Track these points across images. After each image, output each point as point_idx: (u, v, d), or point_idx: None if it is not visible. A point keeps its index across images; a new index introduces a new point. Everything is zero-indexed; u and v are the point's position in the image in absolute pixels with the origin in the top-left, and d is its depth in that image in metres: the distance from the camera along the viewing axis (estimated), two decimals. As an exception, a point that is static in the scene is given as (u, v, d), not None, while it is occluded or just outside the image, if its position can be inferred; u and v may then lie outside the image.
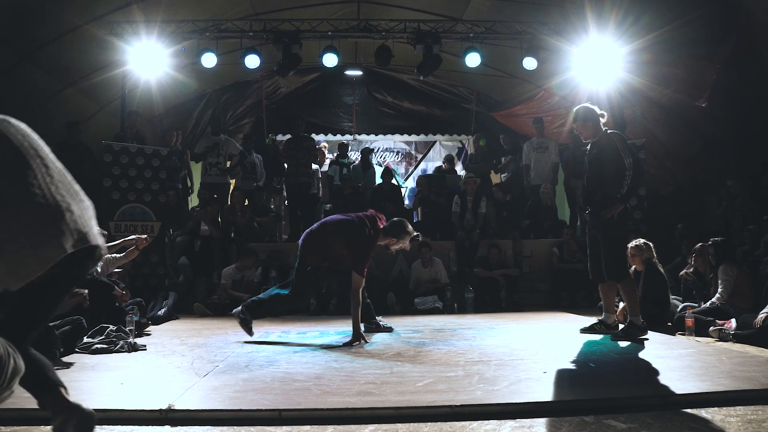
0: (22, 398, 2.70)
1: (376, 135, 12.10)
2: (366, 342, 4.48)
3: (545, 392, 2.86)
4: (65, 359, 3.92)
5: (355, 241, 4.63)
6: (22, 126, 2.14)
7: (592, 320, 5.71)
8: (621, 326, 4.80)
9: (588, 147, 4.83)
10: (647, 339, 4.49)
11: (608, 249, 4.56)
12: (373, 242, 4.67)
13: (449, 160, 10.79)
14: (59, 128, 8.39)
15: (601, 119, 4.66)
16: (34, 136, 2.17)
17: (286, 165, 8.95)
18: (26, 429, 2.42)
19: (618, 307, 5.19)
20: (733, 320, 4.71)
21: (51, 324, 3.99)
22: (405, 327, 5.53)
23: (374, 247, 4.72)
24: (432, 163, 12.08)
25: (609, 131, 4.67)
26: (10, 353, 1.98)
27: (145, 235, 5.35)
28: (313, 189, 9.10)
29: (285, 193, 9.59)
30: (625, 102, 8.30)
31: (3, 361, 1.93)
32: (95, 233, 2.24)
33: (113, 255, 5.65)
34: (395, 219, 4.89)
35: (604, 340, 4.57)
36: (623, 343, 4.35)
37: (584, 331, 4.92)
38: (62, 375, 3.36)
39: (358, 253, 4.61)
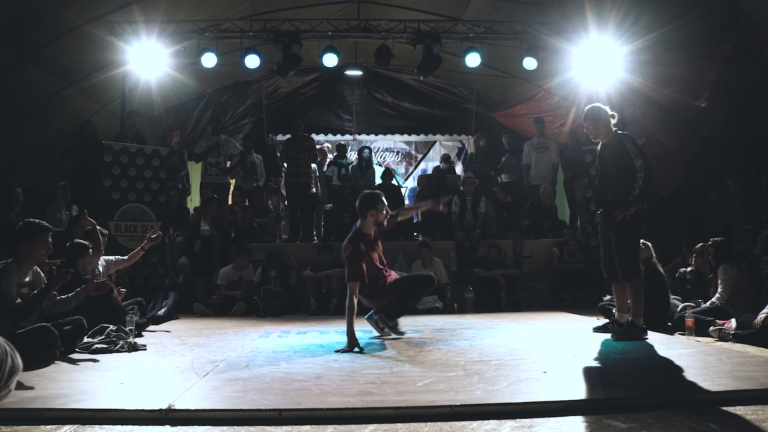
0: (23, 398, 2.71)
1: (376, 135, 12.10)
2: (359, 350, 4.19)
3: (545, 392, 2.85)
4: (65, 359, 3.92)
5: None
6: None
7: (592, 320, 5.73)
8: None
9: (597, 147, 4.85)
10: (647, 339, 4.50)
11: (621, 249, 4.55)
12: (352, 245, 4.46)
13: (446, 159, 10.78)
14: (59, 128, 8.41)
15: (611, 120, 4.66)
16: None
17: (285, 165, 8.93)
18: (26, 429, 2.42)
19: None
20: (733, 320, 4.70)
21: (51, 324, 4.00)
22: (405, 327, 5.51)
23: (356, 249, 4.45)
24: (432, 163, 12.08)
25: (619, 132, 4.68)
26: (8, 352, 1.98)
27: (152, 236, 5.47)
28: (312, 189, 9.10)
29: (284, 192, 9.59)
30: (625, 102, 8.29)
31: (1, 359, 1.93)
32: None
33: (116, 257, 5.64)
34: (361, 194, 4.70)
35: (605, 340, 4.56)
36: (623, 343, 4.35)
37: (597, 330, 4.92)
38: (62, 375, 3.38)
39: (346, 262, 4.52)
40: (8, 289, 3.87)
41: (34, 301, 3.93)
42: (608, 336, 4.67)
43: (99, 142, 8.26)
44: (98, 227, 5.59)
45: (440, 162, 10.82)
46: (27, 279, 4.11)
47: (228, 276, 7.32)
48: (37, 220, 4.17)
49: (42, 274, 4.29)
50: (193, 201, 9.86)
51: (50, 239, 4.13)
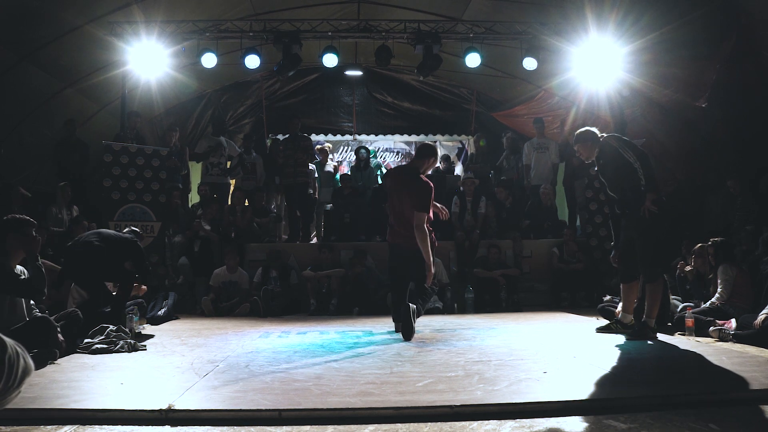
0: (23, 398, 2.70)
1: (376, 135, 12.09)
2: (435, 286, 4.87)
3: (545, 392, 2.85)
4: (65, 359, 3.92)
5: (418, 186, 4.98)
6: None
7: (592, 320, 5.73)
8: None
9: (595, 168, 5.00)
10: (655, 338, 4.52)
11: (645, 248, 4.56)
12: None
13: (446, 159, 10.76)
14: (59, 128, 8.41)
15: (597, 134, 4.80)
16: None
17: (282, 165, 8.88)
18: (26, 429, 2.42)
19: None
20: (733, 320, 4.70)
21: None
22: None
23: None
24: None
25: (603, 137, 4.76)
26: (20, 353, 1.99)
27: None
28: (310, 189, 9.09)
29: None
30: (625, 102, 8.30)
31: (13, 360, 1.94)
32: None
33: None
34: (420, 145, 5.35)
35: (604, 339, 4.57)
36: (624, 343, 4.36)
37: (601, 330, 4.93)
38: (62, 375, 3.38)
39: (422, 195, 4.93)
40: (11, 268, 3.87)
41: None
42: (612, 336, 4.68)
43: (81, 142, 8.26)
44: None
45: (440, 161, 10.79)
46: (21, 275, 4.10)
47: (220, 277, 7.28)
48: (20, 215, 4.17)
49: (42, 268, 4.28)
50: (192, 200, 9.86)
51: (35, 232, 4.11)
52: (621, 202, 4.77)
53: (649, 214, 4.43)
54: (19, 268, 4.08)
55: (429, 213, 4.92)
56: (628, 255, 4.72)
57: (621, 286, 4.90)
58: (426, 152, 5.17)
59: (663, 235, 4.60)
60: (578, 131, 4.96)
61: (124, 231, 5.52)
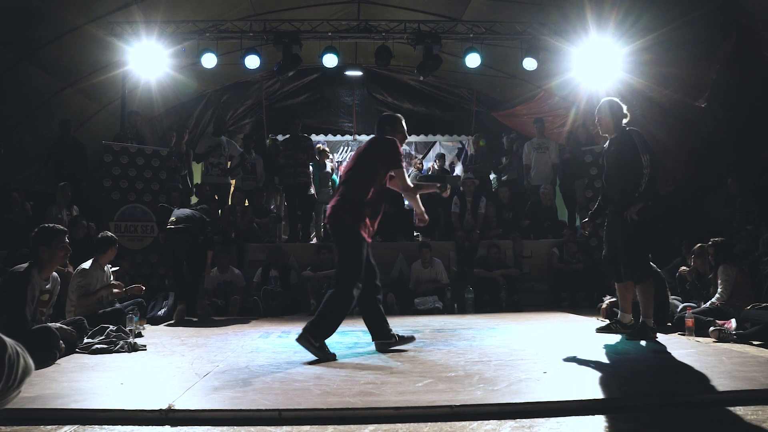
0: (23, 398, 2.71)
1: (376, 135, 12.08)
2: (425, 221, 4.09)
3: (545, 392, 2.85)
4: (65, 359, 3.92)
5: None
6: None
7: (592, 320, 5.73)
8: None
9: (604, 145, 4.89)
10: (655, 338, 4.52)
11: (627, 248, 4.53)
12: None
13: (441, 157, 10.76)
14: (57, 128, 8.41)
15: (624, 118, 4.69)
16: None
17: (283, 165, 8.87)
18: (26, 429, 2.42)
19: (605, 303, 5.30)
20: (733, 320, 4.69)
21: (50, 324, 4.01)
22: (405, 327, 5.52)
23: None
24: (432, 163, 12.06)
25: (628, 129, 4.68)
26: (20, 353, 1.99)
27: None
28: (312, 189, 9.09)
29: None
30: (625, 102, 8.28)
31: (13, 360, 1.95)
32: None
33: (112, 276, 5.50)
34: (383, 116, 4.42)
35: (604, 339, 4.56)
36: (623, 343, 4.36)
37: (600, 330, 4.92)
38: (62, 375, 3.38)
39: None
40: (32, 297, 3.87)
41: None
42: (612, 336, 4.68)
43: (77, 142, 8.26)
44: (108, 233, 5.58)
45: (435, 160, 10.78)
46: (47, 286, 4.11)
47: (214, 279, 7.23)
48: (52, 224, 4.18)
49: (58, 279, 4.29)
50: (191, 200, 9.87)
51: (67, 240, 4.13)
52: (607, 196, 4.75)
53: (630, 221, 4.41)
54: (54, 276, 4.22)
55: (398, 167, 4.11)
56: (616, 253, 4.68)
57: (616, 286, 4.88)
58: (381, 123, 4.27)
59: (642, 240, 4.55)
60: (607, 99, 4.79)
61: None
